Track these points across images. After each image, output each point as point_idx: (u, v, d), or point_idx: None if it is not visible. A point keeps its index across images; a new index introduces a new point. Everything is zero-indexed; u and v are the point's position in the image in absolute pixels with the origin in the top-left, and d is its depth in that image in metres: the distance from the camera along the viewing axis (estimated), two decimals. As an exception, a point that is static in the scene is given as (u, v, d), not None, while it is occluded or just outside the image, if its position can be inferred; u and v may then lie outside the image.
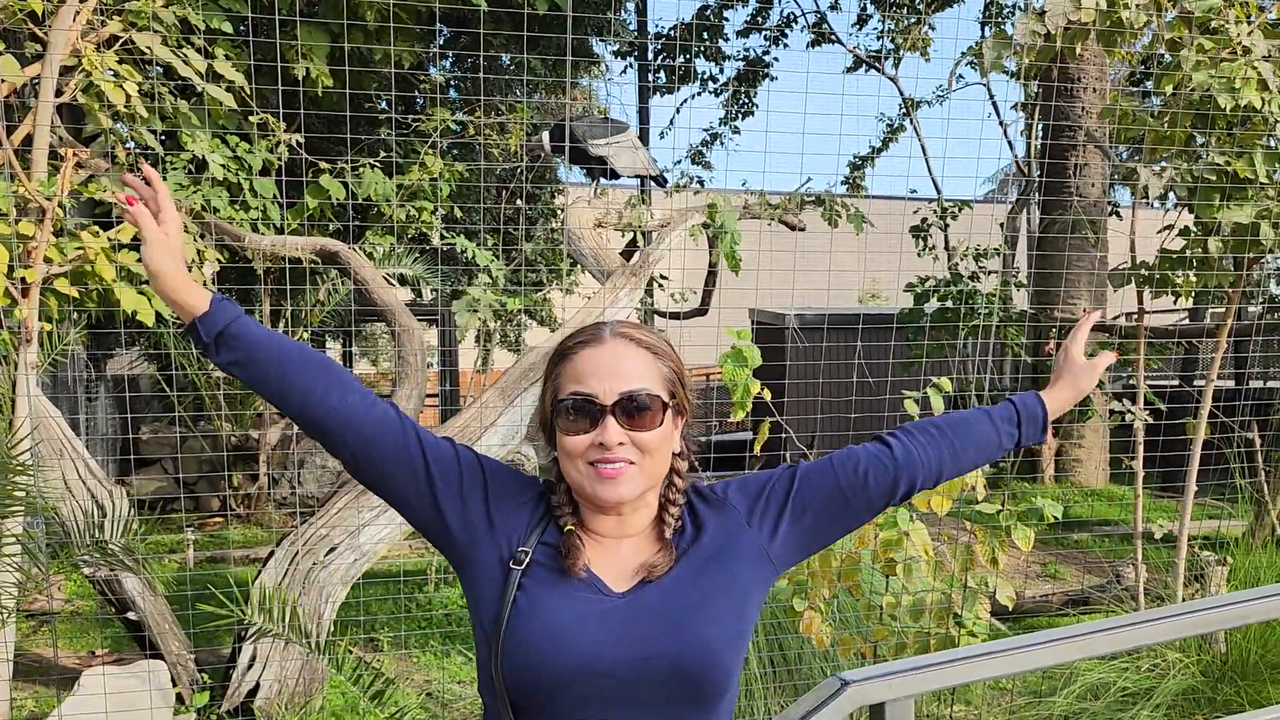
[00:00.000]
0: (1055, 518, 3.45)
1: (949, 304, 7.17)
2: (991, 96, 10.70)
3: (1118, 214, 9.29)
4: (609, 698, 1.28)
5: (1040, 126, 9.23)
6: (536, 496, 1.42)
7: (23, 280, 3.57)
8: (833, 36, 11.45)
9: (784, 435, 4.81)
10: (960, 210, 8.55)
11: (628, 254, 5.56)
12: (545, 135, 5.03)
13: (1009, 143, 10.67)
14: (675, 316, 6.79)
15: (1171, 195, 4.10)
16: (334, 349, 11.08)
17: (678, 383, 1.39)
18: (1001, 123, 10.74)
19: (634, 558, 1.37)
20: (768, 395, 3.70)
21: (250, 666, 4.03)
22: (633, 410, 1.32)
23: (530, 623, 1.29)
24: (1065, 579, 6.37)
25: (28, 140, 3.72)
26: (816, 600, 3.46)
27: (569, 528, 1.37)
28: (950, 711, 4.05)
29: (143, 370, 9.23)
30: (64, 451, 3.93)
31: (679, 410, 1.40)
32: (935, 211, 8.54)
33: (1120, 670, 3.70)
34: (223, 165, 5.01)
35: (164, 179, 4.97)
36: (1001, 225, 10.02)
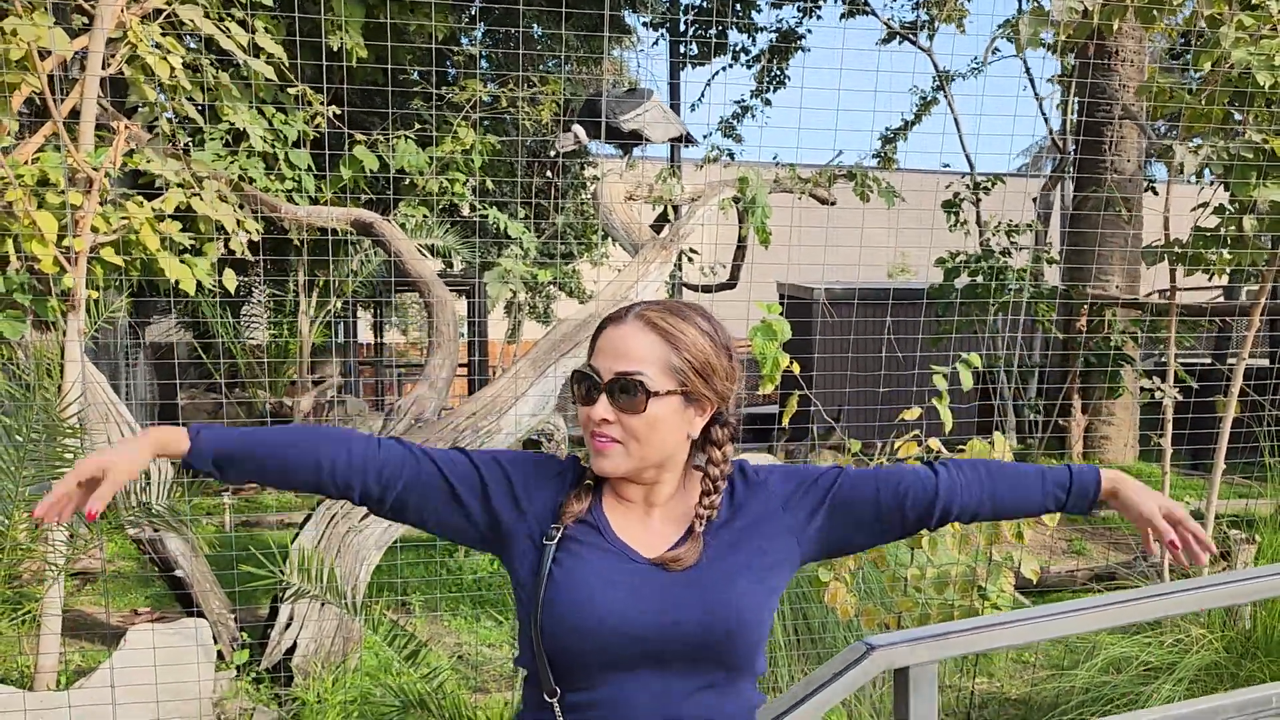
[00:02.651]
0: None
1: (979, 279, 7.14)
2: (1027, 70, 10.57)
3: (1154, 190, 9.17)
4: (642, 657, 1.36)
5: (1076, 101, 9.10)
6: (562, 472, 1.49)
7: (71, 249, 3.67)
8: (867, 8, 11.32)
9: (811, 408, 4.85)
10: (993, 185, 8.49)
11: (658, 227, 5.60)
12: (579, 128, 5.05)
13: (1044, 117, 10.54)
14: (707, 290, 6.82)
15: (1208, 171, 4.07)
16: (365, 319, 11.20)
17: (693, 372, 1.40)
18: (1037, 96, 10.60)
19: (663, 529, 1.44)
20: (796, 369, 3.74)
21: (288, 626, 4.15)
22: (620, 392, 1.38)
23: (565, 591, 1.37)
24: (1091, 555, 6.39)
25: (74, 112, 3.80)
26: (842, 571, 3.52)
27: (587, 482, 1.45)
28: (973, 684, 4.10)
29: (179, 338, 9.39)
30: (109, 415, 4.05)
31: (691, 399, 1.42)
32: (967, 186, 8.48)
33: (1143, 645, 3.73)
34: (260, 136, 5.10)
35: (203, 149, 5.08)
36: (1034, 200, 9.92)
